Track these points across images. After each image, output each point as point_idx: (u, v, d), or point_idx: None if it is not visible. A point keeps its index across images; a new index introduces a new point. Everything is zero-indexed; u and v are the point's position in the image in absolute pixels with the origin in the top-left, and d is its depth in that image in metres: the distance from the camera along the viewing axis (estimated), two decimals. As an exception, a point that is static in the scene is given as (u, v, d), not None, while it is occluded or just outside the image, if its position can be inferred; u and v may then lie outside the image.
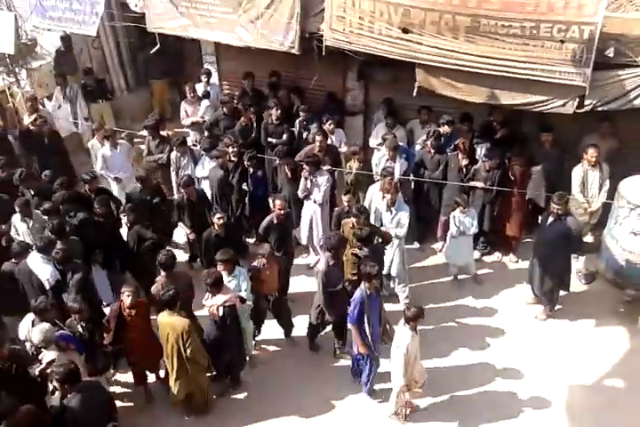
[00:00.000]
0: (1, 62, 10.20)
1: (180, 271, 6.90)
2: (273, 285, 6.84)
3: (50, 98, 10.47)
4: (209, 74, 10.04)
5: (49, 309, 5.84)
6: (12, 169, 8.20)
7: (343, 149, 8.85)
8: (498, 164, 7.86)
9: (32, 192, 7.92)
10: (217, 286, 6.05)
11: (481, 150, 8.30)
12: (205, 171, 8.45)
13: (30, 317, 5.94)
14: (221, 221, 7.12)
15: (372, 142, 8.98)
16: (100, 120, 10.41)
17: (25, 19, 9.92)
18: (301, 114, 8.99)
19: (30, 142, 9.25)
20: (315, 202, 8.03)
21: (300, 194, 8.04)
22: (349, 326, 6.29)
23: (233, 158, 8.28)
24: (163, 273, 6.43)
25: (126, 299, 5.97)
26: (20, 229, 7.40)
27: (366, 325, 6.08)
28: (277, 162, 8.39)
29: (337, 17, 7.86)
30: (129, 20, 9.79)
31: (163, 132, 9.34)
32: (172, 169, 8.74)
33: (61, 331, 5.78)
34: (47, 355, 5.55)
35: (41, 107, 9.90)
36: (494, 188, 7.77)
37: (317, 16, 8.15)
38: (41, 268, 6.51)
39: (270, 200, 7.58)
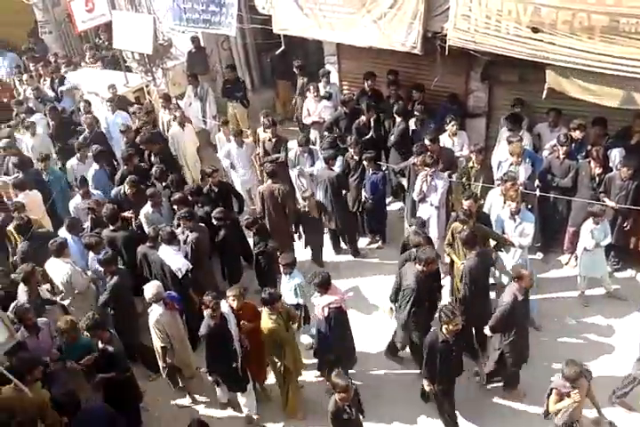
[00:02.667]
0: (140, 62, 10.97)
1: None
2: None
3: (182, 96, 11.10)
4: (328, 74, 10.15)
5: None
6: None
7: (465, 151, 8.58)
8: (635, 172, 7.25)
9: (163, 184, 8.41)
10: (324, 286, 6.10)
11: (615, 158, 7.70)
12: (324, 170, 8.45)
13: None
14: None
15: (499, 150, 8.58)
16: (233, 116, 10.84)
17: (162, 21, 10.59)
18: (416, 113, 8.83)
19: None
20: (431, 205, 7.82)
21: (416, 197, 7.89)
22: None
23: (355, 157, 8.35)
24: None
25: (232, 303, 6.12)
26: (148, 217, 7.88)
27: None
28: (410, 161, 8.16)
29: (462, 16, 7.62)
30: (256, 22, 10.12)
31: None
32: (290, 167, 8.91)
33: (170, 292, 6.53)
34: (155, 309, 6.23)
35: (175, 104, 10.50)
36: (627, 206, 7.22)
37: (441, 15, 7.97)
38: (172, 258, 6.96)
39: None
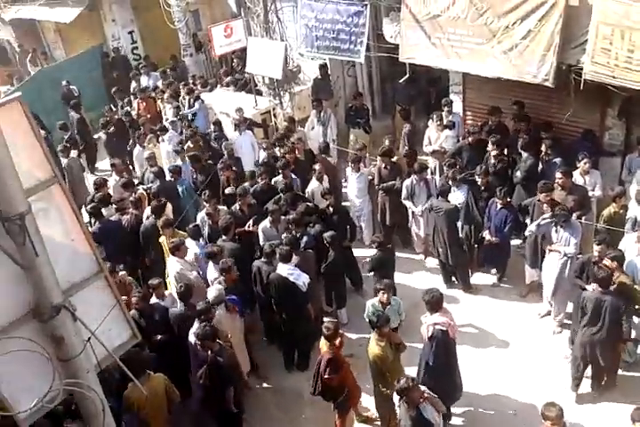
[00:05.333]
0: (269, 86, 11.48)
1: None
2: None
3: (306, 120, 11.46)
4: (451, 103, 10.07)
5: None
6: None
7: (597, 192, 8.07)
8: None
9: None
10: (433, 305, 6.01)
11: None
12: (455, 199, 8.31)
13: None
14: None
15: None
16: (355, 142, 10.94)
17: (293, 47, 11.04)
18: (545, 149, 8.46)
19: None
20: (565, 255, 7.19)
21: (547, 247, 7.36)
22: None
23: (482, 188, 8.20)
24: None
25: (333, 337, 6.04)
26: (265, 231, 8.13)
27: None
28: (535, 198, 7.83)
29: (601, 49, 7.31)
30: (382, 50, 10.29)
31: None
32: (403, 197, 8.83)
33: (232, 295, 6.88)
34: (217, 312, 6.62)
35: (299, 127, 10.87)
36: None
37: (578, 48, 7.68)
38: (293, 276, 7.13)
39: None
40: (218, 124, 11.29)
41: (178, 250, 7.47)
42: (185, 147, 10.50)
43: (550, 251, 7.34)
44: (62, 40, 17.88)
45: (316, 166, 9.06)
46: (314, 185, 8.95)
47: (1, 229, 3.24)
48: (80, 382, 3.49)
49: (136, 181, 9.95)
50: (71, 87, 14.31)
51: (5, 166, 3.13)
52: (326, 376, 6.00)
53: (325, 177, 9.07)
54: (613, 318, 6.13)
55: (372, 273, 7.75)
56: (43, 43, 18.56)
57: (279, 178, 9.06)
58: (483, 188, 8.28)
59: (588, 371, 6.63)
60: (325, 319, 6.69)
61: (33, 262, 3.30)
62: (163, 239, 8.08)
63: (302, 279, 7.13)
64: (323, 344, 6.17)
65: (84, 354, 3.51)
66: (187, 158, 10.01)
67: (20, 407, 3.32)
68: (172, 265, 7.54)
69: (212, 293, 6.78)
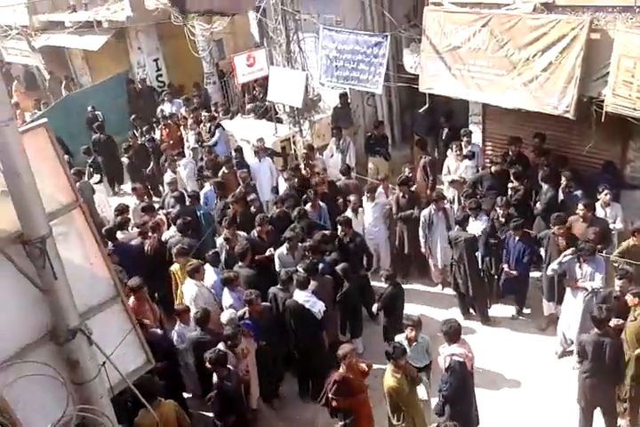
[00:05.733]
0: (290, 114, 11.63)
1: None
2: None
3: (324, 147, 11.54)
4: (470, 133, 10.08)
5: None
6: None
7: (618, 225, 7.95)
8: None
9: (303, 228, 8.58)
10: (452, 336, 5.98)
11: None
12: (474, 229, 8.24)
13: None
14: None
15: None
16: (374, 171, 11.09)
17: (314, 77, 11.20)
18: (565, 181, 8.40)
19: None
20: (592, 291, 7.01)
21: (569, 284, 7.22)
22: None
23: (501, 219, 8.15)
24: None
25: (349, 362, 6.00)
26: (282, 258, 8.12)
27: None
28: (550, 231, 7.72)
29: (623, 82, 7.32)
30: (402, 80, 10.40)
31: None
32: (420, 227, 8.79)
33: (247, 320, 6.92)
34: None
35: (318, 155, 10.96)
36: None
37: (599, 80, 7.69)
38: (310, 301, 7.10)
39: None
40: (239, 150, 11.42)
41: (197, 272, 7.47)
42: (205, 173, 10.62)
43: (575, 287, 7.17)
44: (89, 67, 18.37)
45: (352, 197, 8.92)
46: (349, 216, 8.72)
47: (21, 252, 3.28)
48: (93, 408, 3.47)
49: (157, 206, 10.06)
50: (96, 113, 14.65)
51: (29, 191, 3.19)
52: (330, 396, 5.97)
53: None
54: (614, 360, 5.95)
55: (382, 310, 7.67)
56: (70, 69, 19.09)
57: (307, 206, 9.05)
58: (503, 219, 8.21)
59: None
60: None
61: (52, 285, 3.32)
62: (175, 267, 8.04)
63: (318, 307, 7.08)
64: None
65: (98, 378, 3.50)
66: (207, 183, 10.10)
67: (33, 431, 3.31)
68: (190, 288, 7.52)
69: (225, 316, 6.83)
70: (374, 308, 7.72)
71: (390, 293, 7.47)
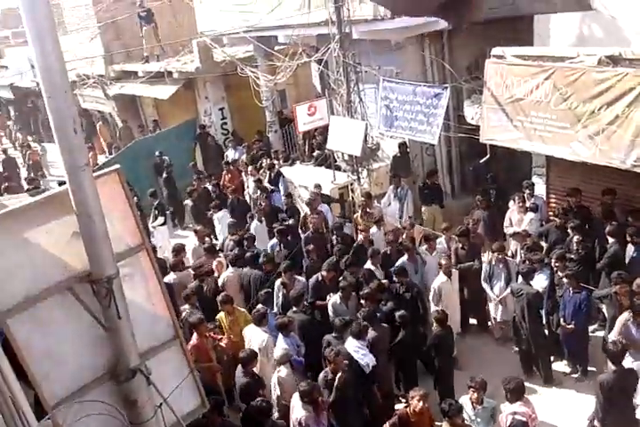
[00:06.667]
0: (348, 162, 11.77)
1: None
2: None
3: (382, 196, 11.58)
4: (532, 186, 9.92)
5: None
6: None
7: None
8: None
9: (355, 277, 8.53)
10: (516, 393, 5.82)
11: None
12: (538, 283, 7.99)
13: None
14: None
15: None
16: (432, 221, 11.04)
17: (373, 126, 11.38)
18: (628, 236, 8.07)
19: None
20: None
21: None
22: None
23: (559, 273, 7.90)
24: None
25: (416, 404, 5.86)
26: (335, 307, 8.04)
27: None
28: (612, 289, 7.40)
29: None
30: (463, 130, 10.42)
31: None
32: (482, 279, 8.58)
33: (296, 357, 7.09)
34: (282, 370, 6.83)
35: (375, 203, 10.99)
36: None
37: (668, 133, 7.46)
38: (360, 353, 6.93)
39: None
40: (289, 196, 11.71)
41: (262, 320, 7.46)
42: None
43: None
44: (159, 114, 19.32)
45: (443, 261, 8.38)
46: (441, 280, 8.30)
47: (89, 291, 3.39)
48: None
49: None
50: (163, 157, 15.27)
51: (100, 232, 3.32)
52: None
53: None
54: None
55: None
56: (141, 117, 20.11)
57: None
58: (561, 274, 7.90)
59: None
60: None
61: (115, 324, 3.40)
62: (221, 316, 7.98)
63: (367, 360, 6.87)
64: None
65: (154, 419, 3.51)
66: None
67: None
68: (258, 335, 7.42)
69: (278, 351, 6.92)
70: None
71: (439, 333, 7.31)
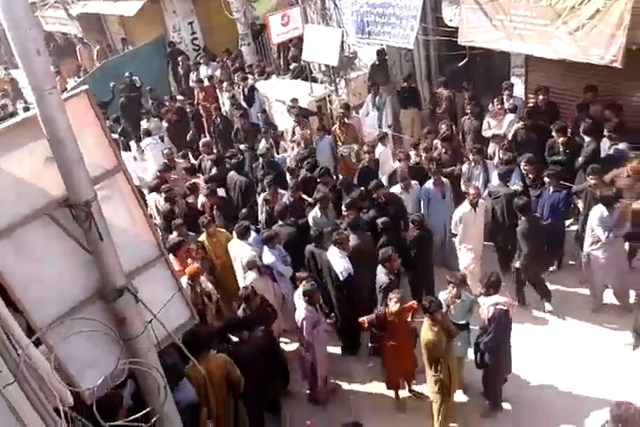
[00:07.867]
0: (325, 73, 11.48)
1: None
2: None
3: (361, 106, 11.40)
4: (511, 86, 9.77)
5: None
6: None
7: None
8: None
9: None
10: (494, 286, 6.04)
11: None
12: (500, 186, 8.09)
13: None
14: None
15: None
16: (410, 124, 10.91)
17: (350, 34, 10.97)
18: (608, 133, 8.10)
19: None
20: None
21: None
22: None
23: (530, 175, 8.00)
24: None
25: (393, 306, 6.11)
26: (316, 219, 8.12)
27: None
28: (587, 183, 7.57)
29: (675, 26, 6.91)
30: (441, 33, 10.08)
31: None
32: (462, 181, 8.70)
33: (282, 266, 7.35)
34: (249, 275, 7.15)
35: (354, 113, 10.83)
36: None
37: (649, 26, 7.28)
38: (337, 261, 7.13)
39: None
40: (264, 112, 11.55)
41: (247, 231, 7.54)
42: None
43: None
44: (126, 33, 18.43)
45: (472, 190, 7.70)
46: (464, 209, 7.81)
47: (68, 216, 3.42)
48: (142, 361, 3.65)
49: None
50: (134, 78, 14.70)
51: (74, 157, 3.29)
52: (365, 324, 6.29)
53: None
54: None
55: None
56: (107, 36, 19.19)
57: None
58: (532, 177, 7.98)
59: None
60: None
61: (98, 247, 3.46)
62: (203, 238, 7.92)
63: (340, 269, 7.01)
64: None
65: (145, 334, 3.67)
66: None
67: (85, 384, 3.51)
68: (241, 247, 7.51)
69: (245, 257, 7.18)
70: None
71: (418, 235, 7.42)
